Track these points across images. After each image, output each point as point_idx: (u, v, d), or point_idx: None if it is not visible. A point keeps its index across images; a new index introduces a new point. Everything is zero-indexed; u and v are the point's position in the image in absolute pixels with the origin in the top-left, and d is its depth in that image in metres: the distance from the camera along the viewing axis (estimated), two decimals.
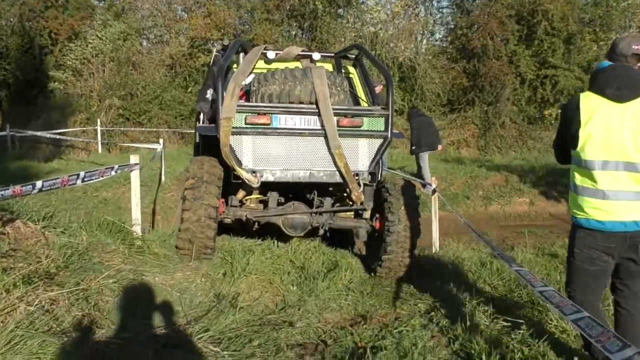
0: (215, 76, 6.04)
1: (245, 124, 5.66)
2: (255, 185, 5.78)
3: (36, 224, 4.44)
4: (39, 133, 16.42)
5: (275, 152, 5.80)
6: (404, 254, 6.10)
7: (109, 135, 21.47)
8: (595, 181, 3.29)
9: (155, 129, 21.82)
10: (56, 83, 23.22)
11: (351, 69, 7.34)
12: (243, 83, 6.19)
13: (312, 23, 23.86)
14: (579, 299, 3.38)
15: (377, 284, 5.78)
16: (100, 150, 19.35)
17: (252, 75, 6.39)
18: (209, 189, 5.67)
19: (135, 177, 5.22)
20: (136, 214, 5.25)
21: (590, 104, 3.32)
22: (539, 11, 21.74)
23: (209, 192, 5.66)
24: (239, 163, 5.72)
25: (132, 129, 21.39)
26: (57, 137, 17.10)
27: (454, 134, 22.15)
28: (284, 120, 5.73)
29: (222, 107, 5.55)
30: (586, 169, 3.31)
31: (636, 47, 3.38)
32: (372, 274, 6.29)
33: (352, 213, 6.70)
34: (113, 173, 4.73)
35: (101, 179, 4.60)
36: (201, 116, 6.79)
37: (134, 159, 5.24)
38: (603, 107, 3.28)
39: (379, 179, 6.57)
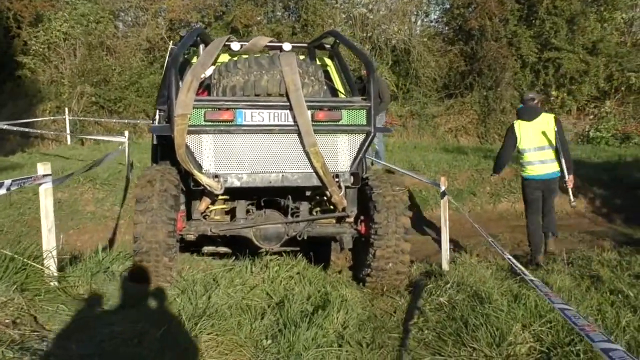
0: (168, 69, 5.19)
1: (205, 121, 4.96)
2: (219, 191, 5.05)
3: None
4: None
5: (240, 152, 5.09)
6: (396, 260, 5.36)
7: (81, 125, 19.93)
8: (528, 157, 7.42)
9: (132, 120, 20.31)
10: (24, 70, 21.58)
11: (327, 61, 6.71)
12: (202, 76, 5.35)
13: (297, 3, 22.38)
14: (530, 216, 7.70)
15: (379, 328, 4.36)
16: (69, 142, 17.75)
17: (213, 68, 5.58)
18: (162, 202, 4.84)
19: (46, 193, 3.78)
20: (50, 242, 3.82)
21: (520, 124, 7.40)
22: None
23: (162, 207, 4.82)
24: (199, 167, 4.99)
25: (105, 119, 19.82)
26: (19, 128, 15.47)
27: (452, 121, 20.78)
28: (249, 116, 5.05)
29: (177, 103, 4.81)
30: (523, 152, 7.41)
31: (526, 98, 7.73)
32: (361, 284, 5.59)
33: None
34: (1, 192, 3.24)
35: None
36: (157, 116, 6.06)
37: (42, 168, 3.79)
38: (523, 124, 7.37)
39: (364, 175, 5.80)
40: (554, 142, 7.20)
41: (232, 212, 5.83)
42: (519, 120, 7.37)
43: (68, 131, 17.85)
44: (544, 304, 4.45)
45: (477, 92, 20.99)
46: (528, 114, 7.32)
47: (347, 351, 3.81)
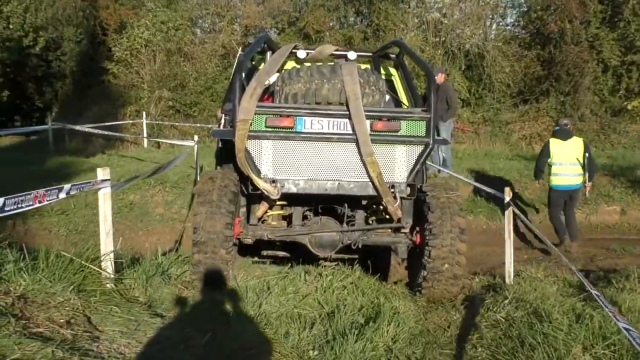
0: (234, 75, 5.38)
1: (266, 126, 5.06)
2: (275, 197, 5.14)
3: None
4: (77, 127, 15.63)
5: (298, 159, 5.16)
6: (452, 261, 5.33)
7: (158, 128, 20.66)
8: (557, 170, 9.21)
9: (206, 124, 20.86)
10: (108, 75, 22.62)
11: (392, 70, 6.72)
12: (267, 83, 5.50)
13: (369, 8, 22.29)
14: (554, 214, 9.41)
15: (431, 343, 4.25)
16: (145, 145, 18.41)
17: (277, 75, 5.70)
18: (221, 196, 5.03)
19: (104, 197, 3.92)
20: (107, 245, 3.96)
21: (554, 142, 9.25)
22: None
23: (221, 200, 5.02)
24: (257, 172, 5.11)
25: (181, 123, 20.40)
26: (96, 131, 16.18)
27: (527, 128, 20.03)
28: (309, 123, 5.11)
29: (239, 108, 4.95)
30: (554, 165, 9.19)
31: (562, 123, 9.68)
32: (417, 293, 5.58)
33: None
34: (61, 196, 3.39)
35: (37, 205, 3.28)
36: (222, 120, 6.22)
37: (101, 173, 3.93)
38: (558, 142, 9.22)
39: (423, 184, 5.89)
40: (582, 160, 9.12)
41: (288, 218, 5.90)
42: (554, 139, 9.42)
43: (145, 134, 18.50)
44: (608, 325, 4.21)
45: (553, 98, 20.20)
46: (564, 134, 9.31)
47: None
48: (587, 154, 9.08)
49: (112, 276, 3.96)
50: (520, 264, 7.50)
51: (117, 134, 16.50)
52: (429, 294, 5.44)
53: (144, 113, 19.35)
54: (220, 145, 6.51)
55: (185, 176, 11.00)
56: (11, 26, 20.88)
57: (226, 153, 5.89)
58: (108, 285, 3.86)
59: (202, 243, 4.95)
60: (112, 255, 3.98)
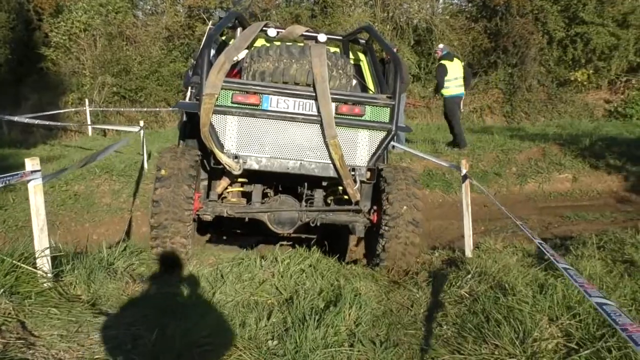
0: (203, 49, 5.35)
1: (232, 102, 5.08)
2: (237, 172, 5.16)
3: None
4: (15, 118, 14.81)
5: (262, 137, 5.18)
6: (405, 251, 5.44)
7: (103, 115, 19.94)
8: (449, 83, 11.73)
9: (153, 109, 20.26)
10: (47, 62, 21.66)
11: (361, 56, 6.76)
12: (235, 58, 5.54)
13: None
14: (458, 120, 11.95)
15: (395, 324, 4.07)
16: (90, 134, 17.72)
17: (246, 51, 5.77)
18: (180, 180, 5.05)
19: (35, 189, 3.58)
20: (42, 242, 3.62)
21: (446, 63, 11.91)
22: None
23: (180, 184, 5.04)
24: (221, 146, 5.11)
25: (127, 109, 19.74)
26: (36, 121, 15.42)
27: (477, 100, 20.23)
28: (275, 102, 5.12)
29: (206, 82, 4.95)
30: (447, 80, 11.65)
31: (447, 48, 12.59)
32: (375, 266, 5.63)
33: None
34: None
35: None
36: (188, 92, 6.28)
37: (30, 164, 3.58)
38: (448, 63, 11.96)
39: (383, 165, 5.92)
40: (462, 74, 11.81)
41: (248, 196, 5.90)
42: (445, 60, 11.82)
43: (89, 122, 17.81)
44: (572, 294, 4.13)
45: (501, 70, 20.43)
46: (450, 57, 11.92)
47: (359, 351, 3.54)
48: (467, 69, 12.41)
49: (49, 275, 3.63)
50: (479, 236, 7.44)
51: (59, 123, 15.81)
52: (388, 263, 5.47)
53: (86, 100, 18.59)
54: (184, 118, 6.36)
55: (132, 164, 10.53)
56: None
57: (190, 127, 5.95)
58: (45, 285, 3.53)
59: (162, 217, 4.98)
60: (47, 252, 3.65)
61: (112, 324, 3.29)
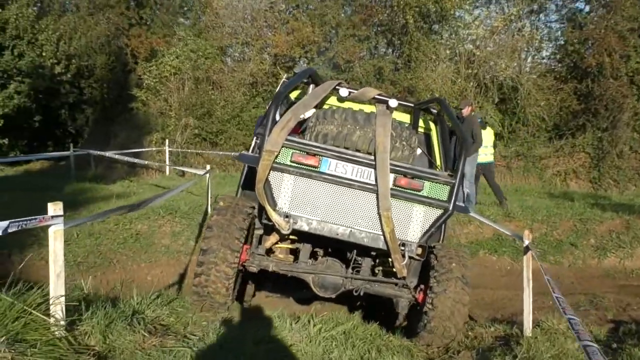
0: (271, 104, 5.43)
1: (291, 161, 5.11)
2: (286, 231, 5.14)
3: None
4: (97, 152, 15.57)
5: (316, 199, 5.16)
6: (453, 309, 5.24)
7: (183, 156, 20.55)
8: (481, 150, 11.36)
9: (232, 153, 20.66)
10: (137, 102, 22.77)
11: (432, 125, 6.69)
12: (302, 116, 5.64)
13: (401, 39, 21.97)
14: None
15: None
16: (168, 173, 18.24)
17: (314, 110, 5.80)
18: (224, 254, 5.07)
19: (55, 235, 3.51)
20: (58, 289, 3.53)
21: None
22: None
23: (226, 245, 5.08)
24: (274, 204, 5.14)
25: (207, 151, 20.22)
26: (116, 156, 16.08)
27: (561, 163, 19.27)
28: (334, 166, 5.12)
29: (268, 139, 5.00)
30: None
31: (479, 116, 12.20)
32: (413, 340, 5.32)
33: None
34: None
35: None
36: (253, 142, 6.43)
37: (52, 209, 3.53)
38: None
39: (437, 244, 5.79)
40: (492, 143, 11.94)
41: (297, 253, 5.84)
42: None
43: (167, 162, 18.38)
44: None
45: (590, 134, 19.41)
46: (483, 125, 11.67)
47: None
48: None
49: (62, 323, 3.53)
50: (543, 312, 6.84)
51: (137, 160, 16.38)
52: (429, 335, 5.24)
53: (166, 141, 19.24)
54: (246, 167, 6.50)
55: (197, 206, 10.64)
56: (44, 54, 21.21)
57: (250, 177, 5.97)
58: (57, 333, 3.44)
59: (203, 277, 5.04)
60: (62, 299, 3.56)
61: None
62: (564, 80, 20.85)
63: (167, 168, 18.05)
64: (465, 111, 10.89)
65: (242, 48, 23.45)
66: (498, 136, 20.45)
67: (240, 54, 24.03)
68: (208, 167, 11.30)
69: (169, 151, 19.20)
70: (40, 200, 9.68)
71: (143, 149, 19.69)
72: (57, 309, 3.55)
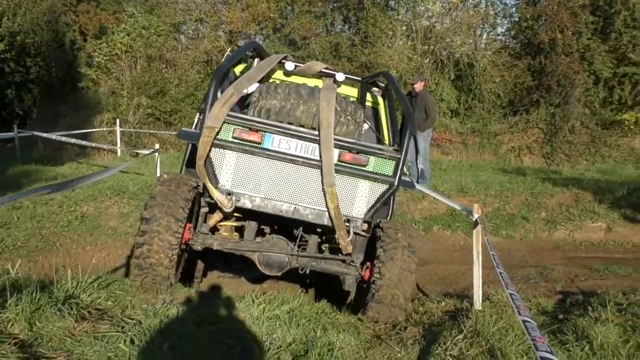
0: (212, 79, 5.21)
1: (233, 137, 5.00)
2: (228, 209, 5.05)
3: None
4: (44, 135, 15.00)
5: (259, 176, 5.07)
6: (392, 303, 5.04)
7: (136, 136, 20.05)
8: None
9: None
10: (87, 81, 22.04)
11: (379, 99, 6.55)
12: (245, 91, 5.49)
13: (357, 15, 21.80)
14: None
15: None
16: (119, 154, 17.76)
17: (256, 85, 5.64)
18: (168, 222, 4.81)
19: None
20: None
21: None
22: (617, 0, 18.91)
23: (170, 213, 4.82)
24: (215, 181, 5.05)
25: (157, 131, 19.77)
26: (63, 139, 15.53)
27: (515, 139, 19.54)
28: (277, 142, 5.04)
29: (209, 114, 4.88)
30: None
31: None
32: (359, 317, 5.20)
33: None
34: None
35: None
36: (196, 119, 6.21)
37: None
38: None
39: (390, 217, 5.75)
40: None
41: (241, 231, 5.70)
42: None
43: (118, 143, 17.89)
44: None
45: (543, 109, 19.72)
46: None
47: None
48: None
49: None
50: (494, 286, 6.85)
51: (84, 142, 15.85)
52: (372, 319, 5.09)
53: (117, 121, 18.69)
54: (190, 147, 6.21)
55: (146, 186, 10.34)
56: None
57: (194, 155, 5.72)
58: None
59: (146, 247, 4.80)
60: None
61: None
62: (518, 57, 21.08)
63: (119, 149, 17.54)
64: (418, 86, 10.81)
65: (196, 25, 22.98)
66: (454, 113, 20.64)
67: (194, 31, 23.55)
68: (157, 146, 10.98)
69: (121, 131, 18.64)
70: None
71: (93, 129, 19.11)
72: None
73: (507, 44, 22.38)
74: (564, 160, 18.70)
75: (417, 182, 10.61)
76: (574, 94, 19.22)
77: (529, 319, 2.72)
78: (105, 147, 18.00)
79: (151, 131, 20.05)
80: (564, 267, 8.62)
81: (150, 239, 4.80)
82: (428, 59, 21.05)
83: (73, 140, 14.66)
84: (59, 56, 23.07)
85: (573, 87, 19.26)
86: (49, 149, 18.70)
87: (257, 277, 7.04)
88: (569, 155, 18.85)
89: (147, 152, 12.41)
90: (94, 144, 16.80)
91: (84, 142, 15.25)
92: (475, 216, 5.93)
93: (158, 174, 10.30)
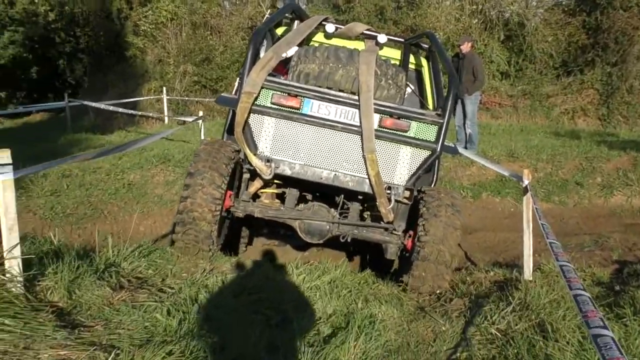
0: (249, 43, 5.13)
1: (271, 103, 4.94)
2: (267, 176, 5.04)
3: None
4: (93, 104, 15.23)
5: (298, 142, 5.01)
6: (439, 259, 4.94)
7: (183, 104, 20.18)
8: None
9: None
10: (134, 50, 22.21)
11: (423, 61, 6.37)
12: (284, 55, 5.33)
13: None
14: None
15: None
16: (167, 122, 17.91)
17: (296, 49, 5.47)
18: (212, 176, 4.83)
19: (4, 185, 3.25)
20: (11, 241, 3.29)
21: None
22: None
23: (213, 168, 4.86)
24: (254, 148, 5.02)
25: (203, 99, 19.81)
26: (111, 108, 15.72)
27: (569, 101, 18.72)
28: (316, 107, 4.94)
29: (247, 80, 4.81)
30: None
31: None
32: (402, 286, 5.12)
33: None
34: None
35: None
36: (236, 84, 5.86)
37: (2, 156, 3.27)
38: None
39: (434, 185, 5.63)
40: None
41: (282, 198, 5.68)
42: None
43: (165, 111, 18.03)
44: (632, 343, 3.40)
45: (599, 69, 18.77)
46: None
47: None
48: None
49: (19, 279, 3.32)
50: (546, 255, 6.59)
51: (131, 111, 16.05)
52: (418, 278, 5.02)
53: (164, 89, 18.82)
54: (231, 113, 6.17)
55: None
56: (36, 0, 20.61)
57: (233, 122, 5.71)
58: (13, 290, 3.23)
59: (189, 200, 4.82)
60: (18, 252, 3.33)
61: (70, 343, 2.91)
62: (572, 14, 20.08)
63: (166, 117, 17.69)
64: (465, 47, 10.42)
65: None
66: (504, 75, 19.94)
67: None
68: (201, 113, 10.98)
69: (168, 100, 18.77)
70: (28, 152, 9.50)
71: (141, 98, 19.32)
72: (14, 264, 3.32)
73: (561, 0, 21.34)
74: (621, 122, 17.84)
75: (465, 147, 10.31)
76: (633, 51, 18.22)
77: (581, 292, 2.52)
78: (152, 115, 18.17)
79: (197, 99, 20.12)
80: (621, 235, 8.23)
81: (194, 192, 4.80)
82: (476, 19, 20.31)
83: (121, 109, 14.81)
84: (106, 25, 23.30)
85: (632, 44, 18.26)
86: (99, 118, 19.08)
87: (302, 245, 6.99)
88: (626, 117, 17.97)
89: (191, 119, 12.39)
90: (141, 113, 16.95)
91: (132, 111, 15.39)
92: (526, 182, 5.66)
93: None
